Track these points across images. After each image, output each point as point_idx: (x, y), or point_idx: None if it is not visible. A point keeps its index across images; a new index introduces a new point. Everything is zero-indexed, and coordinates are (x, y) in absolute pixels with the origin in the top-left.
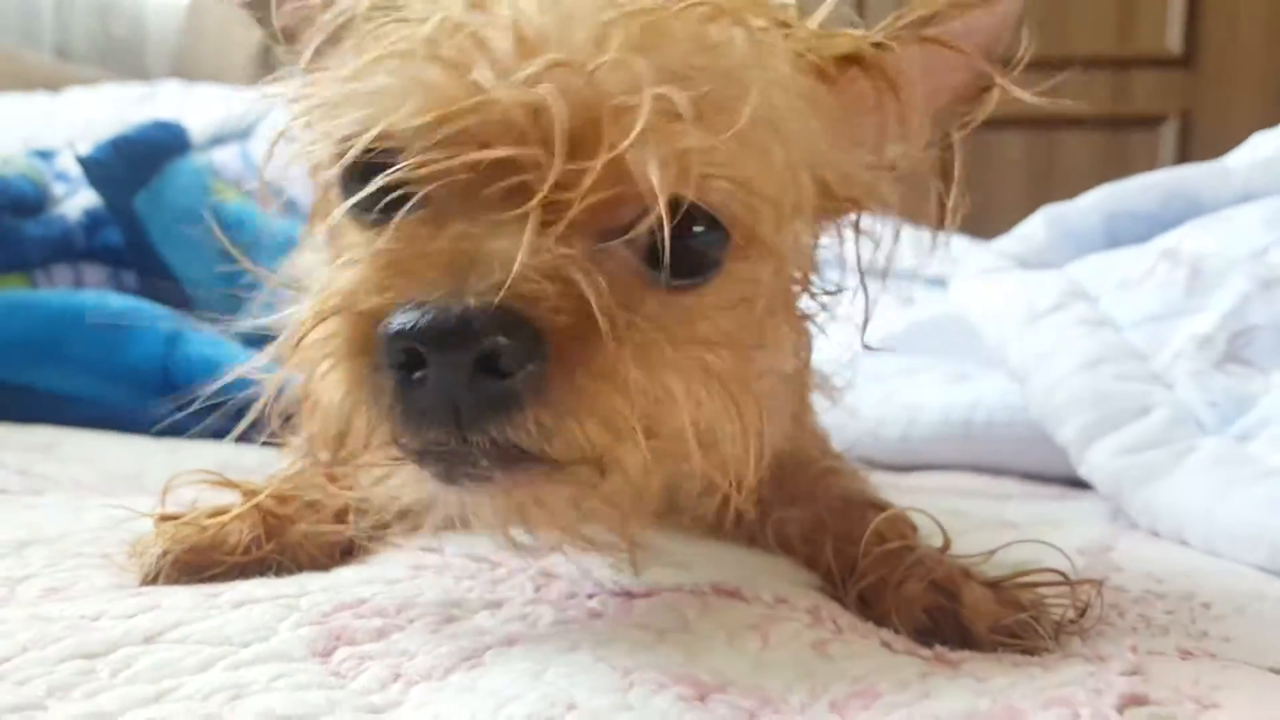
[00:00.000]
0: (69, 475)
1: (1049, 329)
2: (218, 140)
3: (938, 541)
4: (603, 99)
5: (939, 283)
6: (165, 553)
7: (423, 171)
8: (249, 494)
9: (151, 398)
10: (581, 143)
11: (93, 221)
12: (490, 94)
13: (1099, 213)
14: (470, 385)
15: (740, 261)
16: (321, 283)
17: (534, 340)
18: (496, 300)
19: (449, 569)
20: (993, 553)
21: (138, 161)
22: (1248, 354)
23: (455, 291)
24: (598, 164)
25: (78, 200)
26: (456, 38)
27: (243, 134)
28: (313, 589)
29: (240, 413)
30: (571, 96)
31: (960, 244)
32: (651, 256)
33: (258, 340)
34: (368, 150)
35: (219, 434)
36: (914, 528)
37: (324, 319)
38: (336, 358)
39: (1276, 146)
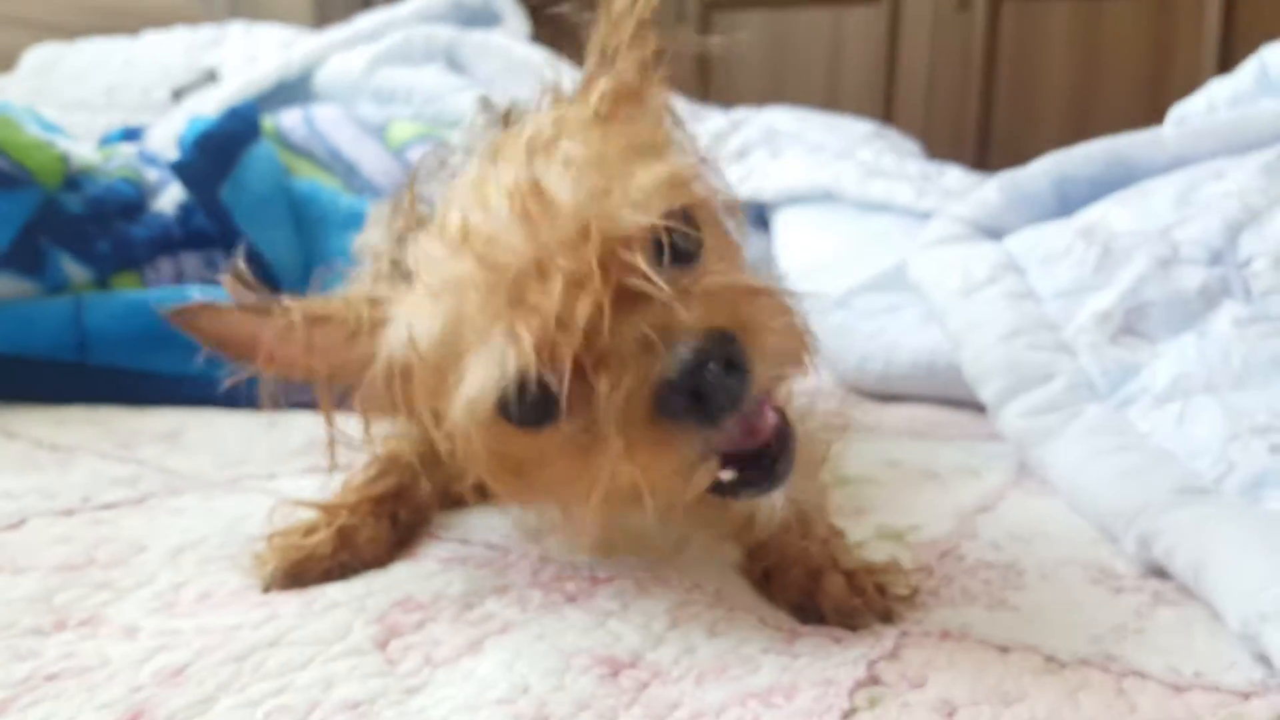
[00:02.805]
0: (195, 467)
1: (980, 301)
2: (280, 91)
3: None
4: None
5: (930, 216)
6: (276, 567)
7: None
8: (329, 511)
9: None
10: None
11: (185, 213)
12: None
13: (1048, 177)
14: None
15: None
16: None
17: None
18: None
19: (471, 559)
20: (861, 544)
21: (219, 155)
22: (1141, 326)
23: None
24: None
25: (171, 193)
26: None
27: (303, 85)
28: (376, 589)
29: None
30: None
31: (954, 174)
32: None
33: None
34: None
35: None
36: (810, 523)
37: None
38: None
39: (1216, 104)
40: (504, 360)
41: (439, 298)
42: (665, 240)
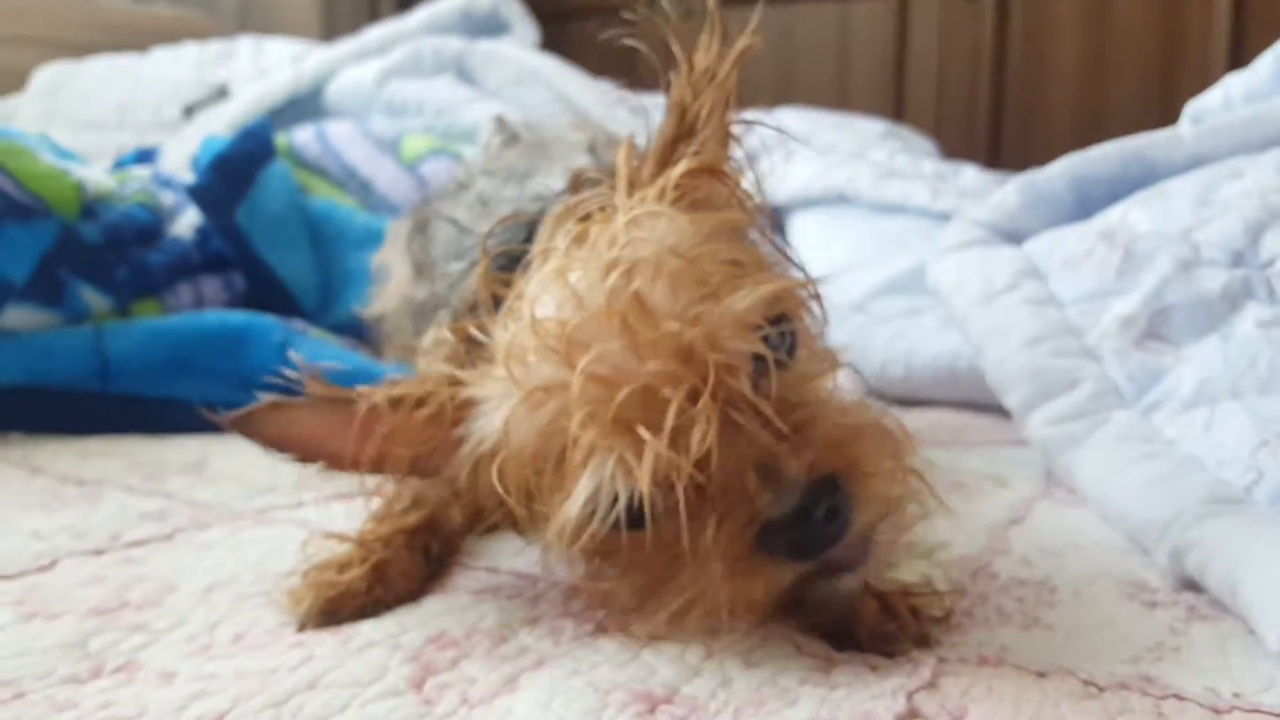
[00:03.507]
0: (222, 498)
1: (1002, 308)
2: (291, 105)
3: None
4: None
5: (945, 217)
6: (311, 605)
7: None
8: (363, 545)
9: None
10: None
11: (202, 236)
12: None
13: (1066, 178)
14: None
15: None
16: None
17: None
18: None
19: (502, 589)
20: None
21: (234, 179)
22: (1164, 331)
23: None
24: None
25: (188, 217)
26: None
27: (314, 99)
28: (409, 625)
29: None
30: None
31: (970, 173)
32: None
33: (345, 329)
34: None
35: None
36: None
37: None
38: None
39: (1232, 99)
40: (614, 485)
41: (537, 403)
42: (768, 355)
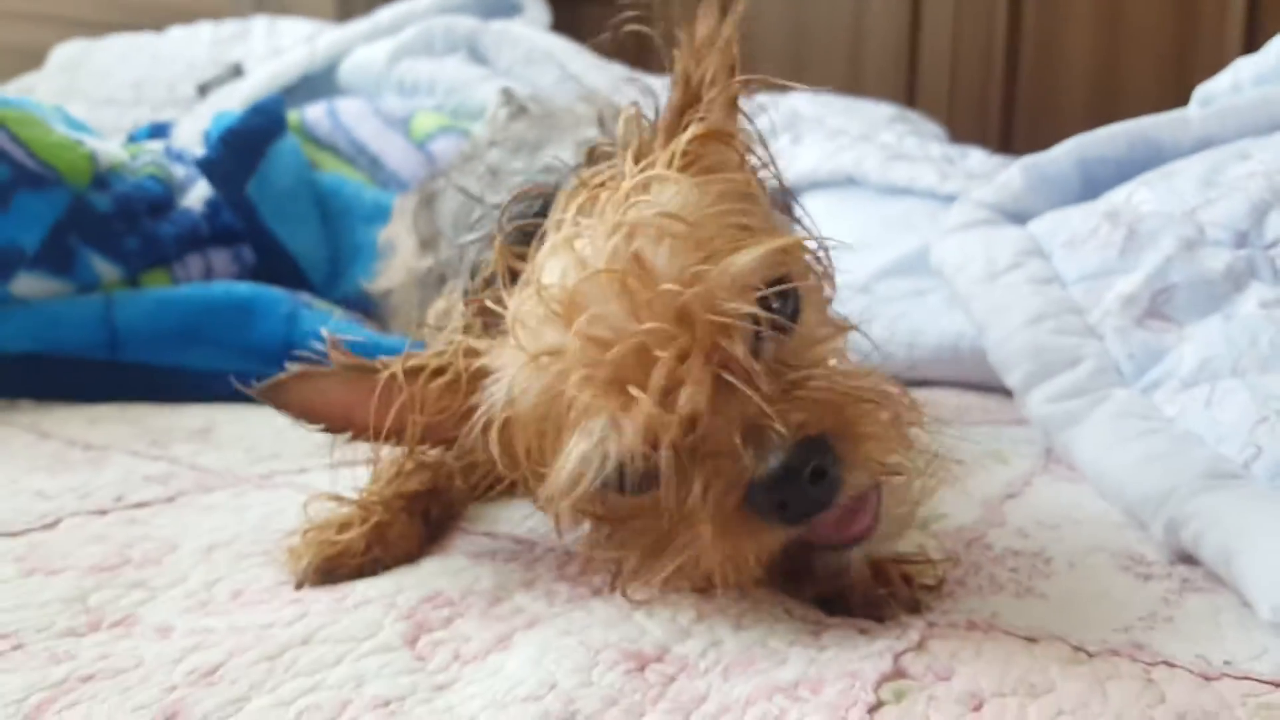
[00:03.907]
0: (227, 464)
1: (1004, 286)
2: (304, 84)
3: None
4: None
5: (952, 199)
6: (310, 563)
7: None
8: (364, 507)
9: (277, 369)
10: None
11: (213, 209)
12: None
13: (1071, 159)
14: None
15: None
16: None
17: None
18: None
19: (499, 553)
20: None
21: (244, 152)
22: (1167, 310)
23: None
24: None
25: (199, 190)
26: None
27: (327, 78)
28: (406, 585)
29: None
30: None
31: (977, 156)
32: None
33: (352, 303)
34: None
35: None
36: None
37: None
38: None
39: (1241, 83)
40: (605, 445)
41: (538, 366)
42: (764, 317)
